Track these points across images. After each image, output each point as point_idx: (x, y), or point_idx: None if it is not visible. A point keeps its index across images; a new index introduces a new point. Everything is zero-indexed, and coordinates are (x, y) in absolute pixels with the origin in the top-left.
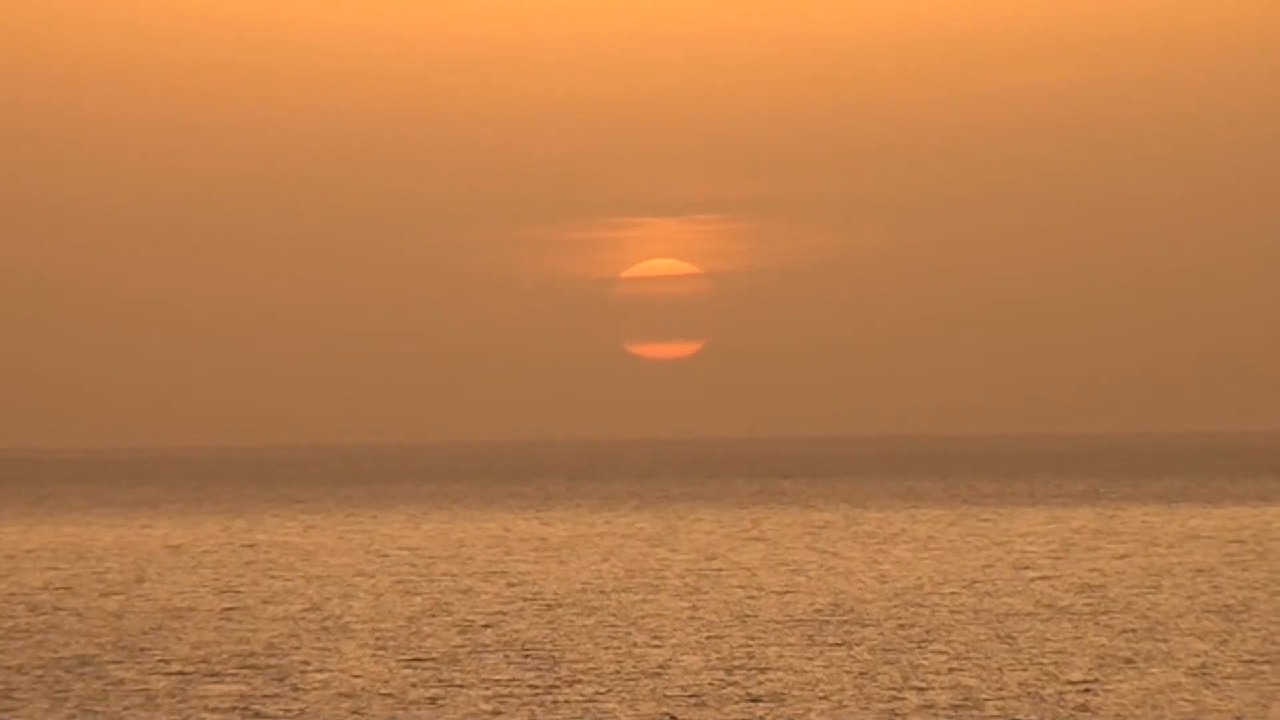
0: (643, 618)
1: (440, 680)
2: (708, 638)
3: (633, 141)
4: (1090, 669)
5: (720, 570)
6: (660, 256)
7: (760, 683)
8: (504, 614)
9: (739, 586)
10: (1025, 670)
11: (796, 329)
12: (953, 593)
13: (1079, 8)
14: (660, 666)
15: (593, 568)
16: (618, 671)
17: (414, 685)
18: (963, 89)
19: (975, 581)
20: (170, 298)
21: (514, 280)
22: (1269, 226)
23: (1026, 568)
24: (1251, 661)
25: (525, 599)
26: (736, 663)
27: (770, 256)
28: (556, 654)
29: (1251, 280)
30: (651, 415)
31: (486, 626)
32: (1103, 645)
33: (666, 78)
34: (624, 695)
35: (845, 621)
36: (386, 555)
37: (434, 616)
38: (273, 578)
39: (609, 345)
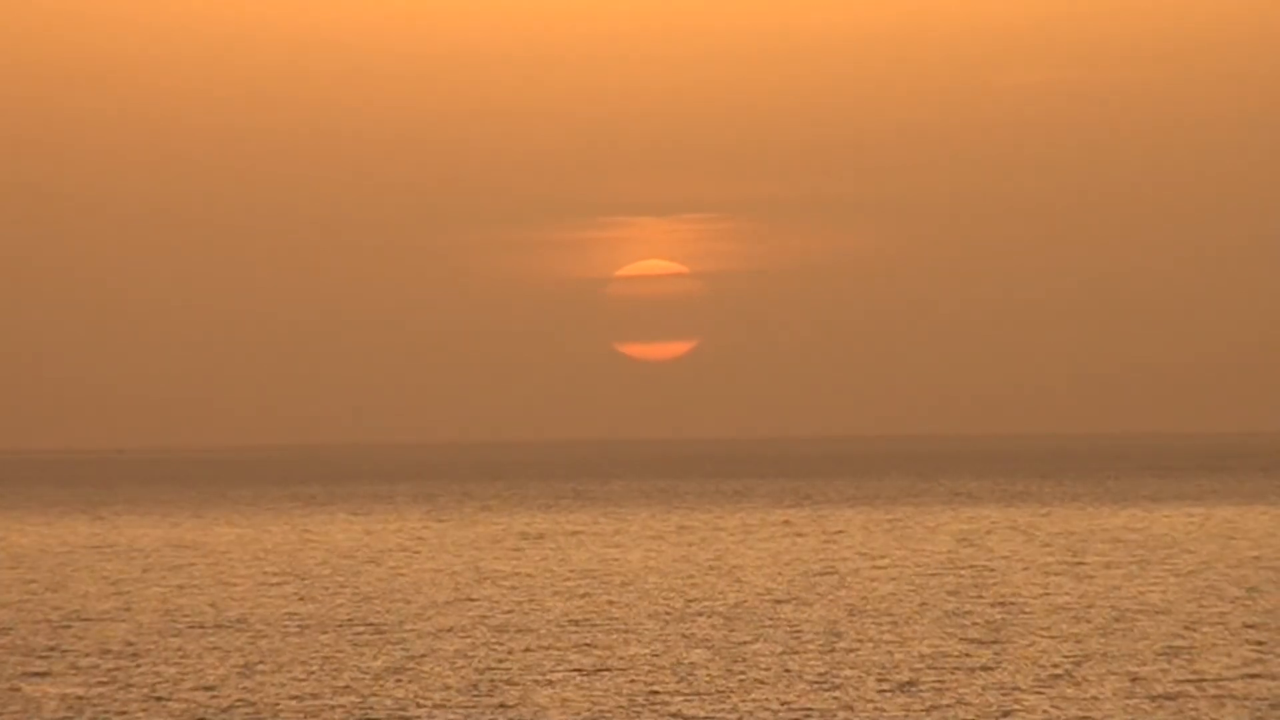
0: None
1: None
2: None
3: (625, 142)
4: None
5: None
6: (652, 257)
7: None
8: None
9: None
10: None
11: (788, 329)
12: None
13: (1077, 9)
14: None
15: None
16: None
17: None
18: (959, 90)
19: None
20: (168, 297)
21: (505, 280)
22: (1269, 227)
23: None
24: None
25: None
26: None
27: (762, 257)
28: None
29: (1251, 280)
30: (644, 416)
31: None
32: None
33: (659, 78)
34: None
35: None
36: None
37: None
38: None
39: (600, 345)
